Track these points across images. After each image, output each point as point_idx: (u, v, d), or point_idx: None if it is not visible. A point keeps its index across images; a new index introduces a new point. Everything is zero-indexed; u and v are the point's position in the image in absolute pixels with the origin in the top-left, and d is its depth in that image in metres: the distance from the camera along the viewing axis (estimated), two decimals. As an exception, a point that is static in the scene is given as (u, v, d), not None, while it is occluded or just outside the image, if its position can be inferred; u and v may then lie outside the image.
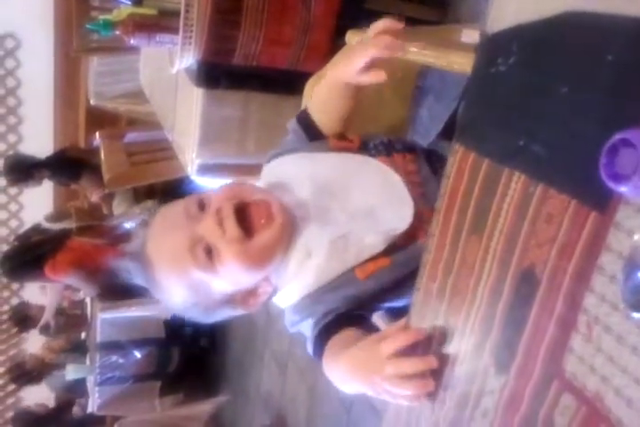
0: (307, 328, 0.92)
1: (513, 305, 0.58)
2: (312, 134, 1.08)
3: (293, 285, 0.93)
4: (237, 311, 0.97)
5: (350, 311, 0.89)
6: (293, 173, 1.01)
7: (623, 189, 0.45)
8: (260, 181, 1.06)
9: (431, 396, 0.69)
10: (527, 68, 0.59)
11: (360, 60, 0.92)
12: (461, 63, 0.99)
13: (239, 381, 3.79)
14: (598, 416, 0.49)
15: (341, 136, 1.07)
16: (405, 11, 1.96)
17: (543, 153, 0.56)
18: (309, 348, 0.92)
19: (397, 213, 0.93)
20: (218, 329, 4.11)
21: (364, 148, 1.04)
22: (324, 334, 0.88)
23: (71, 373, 3.92)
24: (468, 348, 0.64)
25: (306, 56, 1.82)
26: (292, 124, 1.11)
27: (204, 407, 3.61)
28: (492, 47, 0.63)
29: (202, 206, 0.91)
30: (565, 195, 0.53)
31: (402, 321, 0.77)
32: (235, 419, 3.81)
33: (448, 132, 1.08)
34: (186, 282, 0.91)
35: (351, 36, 1.23)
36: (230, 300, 0.95)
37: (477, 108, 0.66)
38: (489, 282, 0.62)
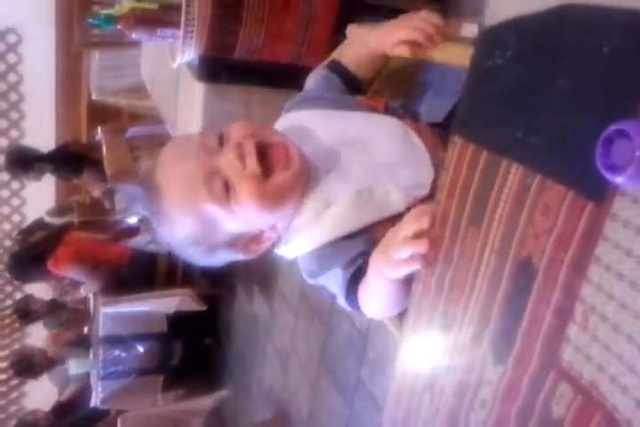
0: (333, 278, 0.91)
1: (511, 295, 0.59)
2: (351, 85, 1.10)
3: (308, 233, 0.92)
4: (237, 256, 0.96)
5: None
6: (315, 124, 1.00)
7: (619, 179, 0.46)
8: (277, 127, 1.03)
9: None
10: (524, 60, 0.59)
11: (398, 37, 1.02)
12: (461, 57, 1.00)
13: (241, 375, 3.81)
14: (594, 405, 0.49)
15: (369, 97, 1.09)
16: (405, 5, 1.96)
17: (541, 145, 0.56)
18: (341, 295, 0.90)
19: (418, 177, 0.92)
20: (220, 324, 4.13)
21: (390, 109, 1.04)
22: (358, 277, 0.86)
23: (74, 367, 3.93)
24: (467, 338, 0.65)
25: (307, 51, 1.82)
26: (319, 73, 1.12)
27: (206, 402, 3.62)
28: (490, 40, 0.64)
29: (221, 140, 0.90)
30: (562, 186, 0.53)
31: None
32: (237, 413, 3.82)
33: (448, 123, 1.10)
34: (195, 215, 0.89)
35: (352, 31, 1.24)
36: (234, 242, 0.93)
37: (476, 101, 0.67)
38: (487, 273, 0.62)
